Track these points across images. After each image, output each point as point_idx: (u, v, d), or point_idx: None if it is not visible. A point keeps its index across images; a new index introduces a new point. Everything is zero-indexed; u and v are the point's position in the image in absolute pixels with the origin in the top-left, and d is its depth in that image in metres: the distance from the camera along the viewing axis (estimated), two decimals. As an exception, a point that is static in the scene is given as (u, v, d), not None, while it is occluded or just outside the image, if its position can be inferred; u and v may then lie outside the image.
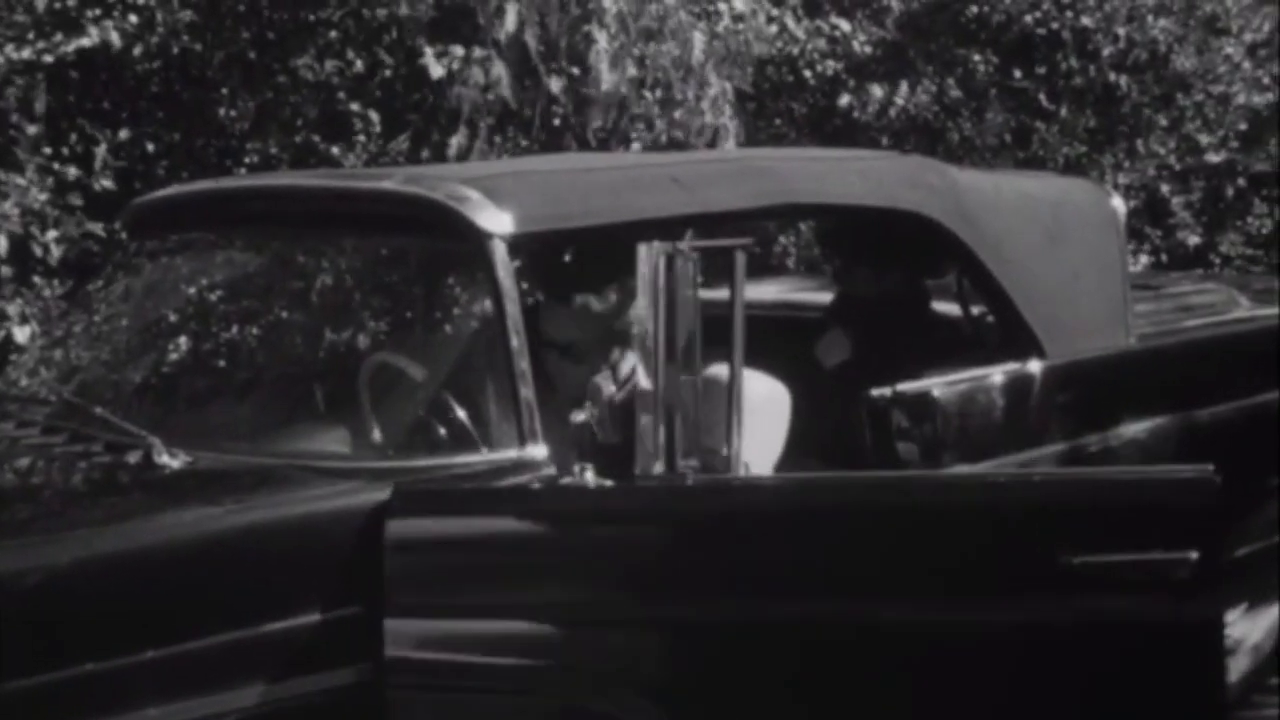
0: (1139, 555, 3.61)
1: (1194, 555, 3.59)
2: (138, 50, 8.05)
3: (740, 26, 9.31)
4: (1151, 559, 3.61)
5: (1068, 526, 3.69)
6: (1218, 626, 3.91)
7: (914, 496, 3.78)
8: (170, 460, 3.96)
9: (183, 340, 5.25)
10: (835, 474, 3.78)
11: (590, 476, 3.85)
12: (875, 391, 4.66)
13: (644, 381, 3.66)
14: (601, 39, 8.60)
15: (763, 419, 4.46)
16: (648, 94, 8.91)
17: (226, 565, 3.67)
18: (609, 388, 3.88)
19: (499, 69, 8.44)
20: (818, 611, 3.70)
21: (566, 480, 3.88)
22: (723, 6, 9.31)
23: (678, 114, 9.05)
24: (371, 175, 5.72)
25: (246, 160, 8.46)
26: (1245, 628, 5.90)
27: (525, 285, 5.77)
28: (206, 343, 5.29)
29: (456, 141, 8.36)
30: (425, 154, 8.52)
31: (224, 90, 8.54)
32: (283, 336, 5.31)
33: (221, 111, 8.53)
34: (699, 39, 8.96)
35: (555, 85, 8.67)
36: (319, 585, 3.71)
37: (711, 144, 8.91)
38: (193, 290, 5.26)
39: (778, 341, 4.82)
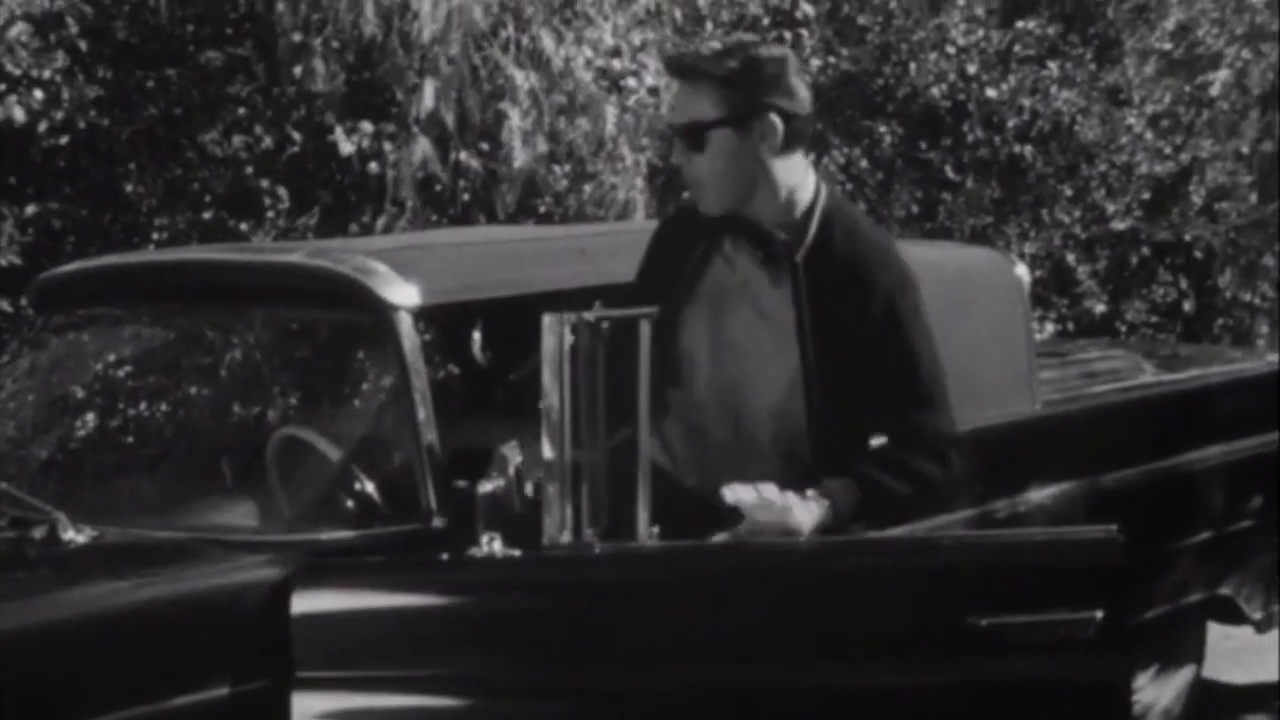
0: (1045, 616, 3.62)
1: (1099, 615, 3.61)
2: (44, 126, 8.03)
3: (651, 100, 9.37)
4: (1058, 619, 3.62)
5: (975, 588, 3.70)
6: (1125, 687, 3.93)
7: (823, 560, 3.78)
8: (76, 535, 3.94)
9: (90, 415, 5.22)
10: (744, 540, 3.77)
11: (498, 546, 3.84)
12: None
13: (549, 451, 3.66)
14: (514, 115, 8.65)
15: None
16: (557, 168, 8.95)
17: (133, 640, 3.64)
18: (516, 457, 3.87)
19: (423, 145, 8.47)
20: (728, 677, 3.70)
21: (474, 550, 3.87)
22: (633, 81, 9.36)
23: (589, 187, 9.10)
24: (278, 249, 5.72)
25: (154, 236, 8.45)
26: (1156, 691, 5.95)
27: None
28: (114, 417, 5.26)
29: (382, 220, 8.39)
30: (354, 229, 8.52)
31: (131, 166, 8.53)
32: (190, 410, 5.30)
33: (129, 187, 8.52)
34: (611, 113, 9.01)
35: (469, 160, 8.70)
36: (226, 659, 3.69)
37: (622, 216, 8.95)
38: (100, 365, 5.23)
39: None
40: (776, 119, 3.92)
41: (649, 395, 3.70)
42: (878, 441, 3.95)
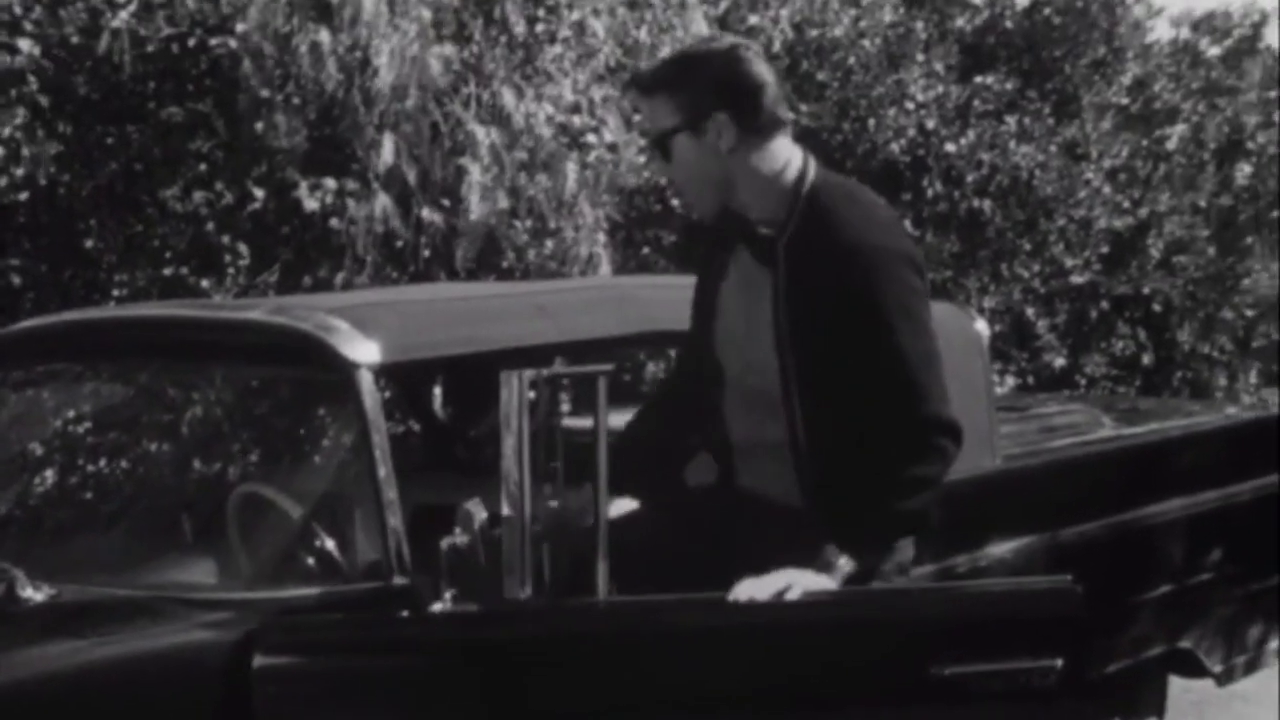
0: (1005, 665, 3.64)
1: (1058, 663, 3.63)
2: (3, 182, 8.02)
3: (611, 156, 9.40)
4: (1019, 668, 3.64)
5: (937, 637, 3.72)
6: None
7: (784, 612, 3.79)
8: (34, 593, 3.92)
9: (49, 472, 5.21)
10: (704, 593, 3.77)
11: (458, 603, 3.84)
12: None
13: (507, 508, 3.66)
14: (475, 171, 8.67)
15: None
16: (518, 224, 8.96)
17: (92, 699, 3.62)
18: (480, 514, 3.86)
19: (383, 200, 8.49)
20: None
21: (435, 607, 3.86)
22: (593, 138, 9.39)
23: (549, 243, 9.12)
24: (239, 306, 5.71)
25: (114, 292, 8.43)
26: (1117, 745, 5.95)
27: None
28: (73, 474, 5.24)
29: (341, 276, 8.39)
30: (311, 284, 8.52)
31: (91, 222, 8.53)
32: (150, 467, 5.28)
33: (89, 243, 8.51)
34: (571, 169, 9.04)
35: (429, 216, 8.72)
36: (186, 718, 3.68)
37: (585, 272, 8.97)
38: (59, 421, 5.22)
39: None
40: (725, 115, 3.89)
41: (606, 451, 3.71)
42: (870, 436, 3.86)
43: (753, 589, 3.69)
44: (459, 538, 3.85)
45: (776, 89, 3.98)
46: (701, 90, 3.91)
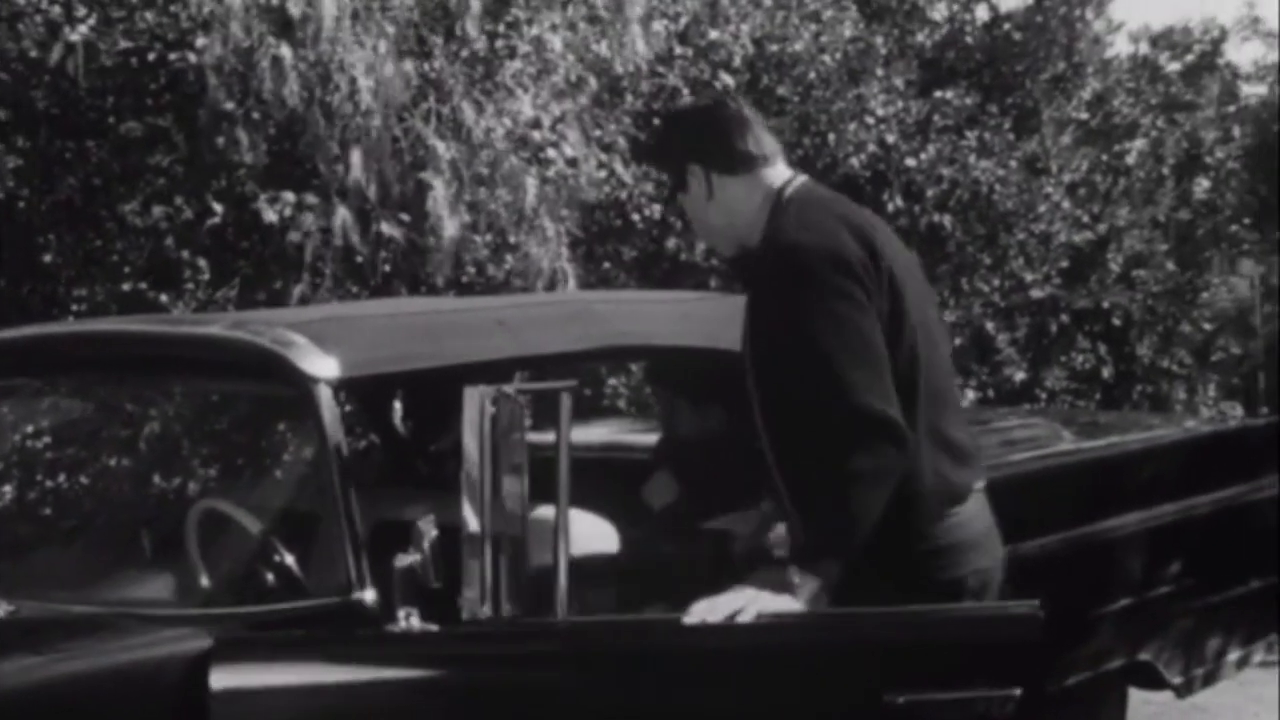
0: (964, 693, 3.59)
1: (1017, 692, 3.57)
2: (-39, 196, 8.00)
3: (571, 171, 9.41)
4: (977, 696, 3.58)
5: (892, 664, 3.64)
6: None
7: (739, 637, 3.76)
8: (-8, 610, 3.90)
9: (7, 487, 5.19)
10: (661, 615, 3.76)
11: (415, 621, 3.83)
12: (709, 525, 4.68)
13: (471, 525, 3.65)
14: (438, 185, 8.66)
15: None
16: (478, 238, 8.96)
17: (50, 716, 3.61)
18: (432, 531, 3.85)
19: (342, 214, 8.47)
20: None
21: (391, 626, 3.85)
22: (553, 152, 9.39)
23: (510, 258, 9.11)
24: (198, 321, 5.69)
25: (73, 307, 8.40)
26: (1076, 757, 5.96)
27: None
28: (31, 489, 5.22)
29: (300, 290, 8.37)
30: (267, 299, 8.50)
31: (50, 236, 8.49)
32: (109, 483, 5.26)
33: (48, 258, 8.47)
34: (531, 184, 9.04)
35: (390, 231, 8.71)
36: (144, 734, 3.67)
37: (550, 287, 8.97)
38: (17, 437, 5.20)
39: (606, 483, 4.83)
40: (698, 166, 4.09)
41: (569, 467, 3.71)
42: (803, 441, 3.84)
43: (706, 610, 3.67)
44: (412, 556, 3.83)
45: (751, 128, 4.15)
46: (676, 149, 4.22)
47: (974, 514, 4.05)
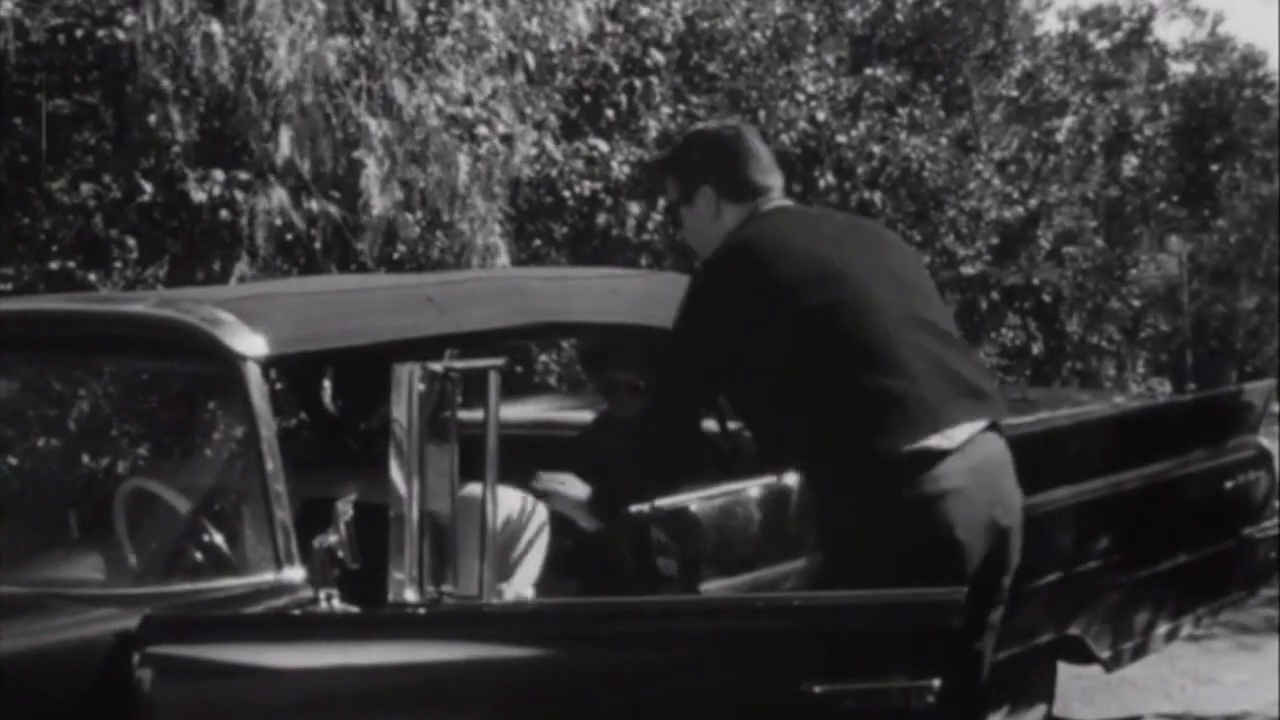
0: (881, 683, 3.51)
1: (936, 683, 3.49)
2: (-115, 173, 7.92)
3: (503, 149, 9.39)
4: (893, 686, 3.51)
5: (808, 653, 3.56)
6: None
7: (653, 621, 3.70)
8: (-83, 590, 3.87)
9: (-68, 469, 5.16)
10: (582, 600, 3.73)
11: (336, 603, 3.81)
12: (634, 508, 4.66)
13: (397, 504, 3.64)
14: (370, 163, 8.63)
15: (521, 535, 4.52)
16: (410, 216, 8.94)
17: (-23, 696, 3.59)
18: (350, 511, 3.82)
19: (279, 193, 8.43)
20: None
21: (312, 608, 3.82)
22: (485, 130, 9.37)
23: (442, 236, 9.09)
24: (126, 299, 5.65)
25: (0, 286, 8.33)
26: (1007, 733, 5.99)
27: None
28: (-43, 470, 5.19)
29: (240, 269, 8.33)
30: (203, 278, 8.45)
31: (-26, 215, 8.41)
32: (36, 462, 5.23)
33: (-28, 236, 8.40)
34: (463, 161, 9.02)
35: (321, 208, 8.67)
36: (71, 715, 3.64)
37: (483, 264, 8.95)
38: (-57, 418, 5.16)
39: (537, 460, 4.83)
40: (710, 190, 4.52)
41: (497, 445, 3.70)
42: None
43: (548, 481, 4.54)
44: (330, 537, 3.81)
45: (762, 161, 4.58)
46: (692, 167, 4.60)
47: (955, 467, 4.36)
